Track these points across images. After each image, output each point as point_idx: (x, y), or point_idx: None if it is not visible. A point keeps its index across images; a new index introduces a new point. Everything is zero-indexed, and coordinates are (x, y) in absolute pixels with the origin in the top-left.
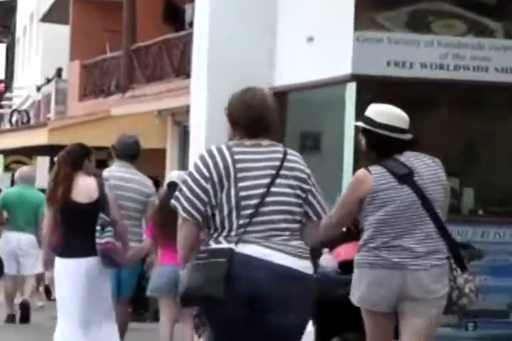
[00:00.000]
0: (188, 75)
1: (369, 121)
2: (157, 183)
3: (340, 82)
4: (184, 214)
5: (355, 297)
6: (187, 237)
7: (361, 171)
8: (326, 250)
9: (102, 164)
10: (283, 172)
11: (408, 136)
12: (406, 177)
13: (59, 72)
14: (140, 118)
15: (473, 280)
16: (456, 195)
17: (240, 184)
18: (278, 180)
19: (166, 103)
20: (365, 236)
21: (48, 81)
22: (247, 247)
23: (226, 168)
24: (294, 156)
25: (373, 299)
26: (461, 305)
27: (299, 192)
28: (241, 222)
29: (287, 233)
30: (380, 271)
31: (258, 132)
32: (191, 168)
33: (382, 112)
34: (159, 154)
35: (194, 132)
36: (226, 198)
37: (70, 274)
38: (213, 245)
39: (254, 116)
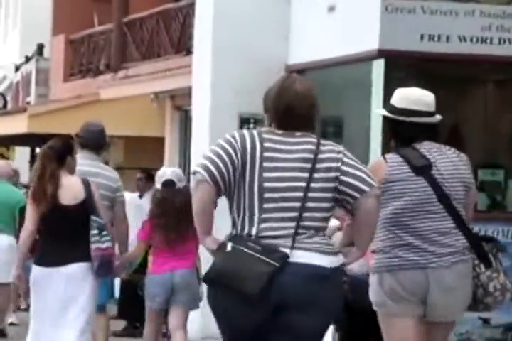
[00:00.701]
0: (189, 52)
1: (390, 107)
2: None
3: (366, 59)
4: (204, 173)
5: (375, 304)
6: (203, 198)
7: (377, 159)
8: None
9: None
10: (317, 165)
11: (429, 120)
12: (423, 170)
13: (40, 49)
14: (134, 102)
15: (498, 277)
16: (500, 189)
17: (266, 174)
18: (315, 175)
19: (163, 84)
20: (378, 235)
21: (28, 59)
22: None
23: (253, 152)
24: (330, 146)
25: (395, 306)
26: (486, 304)
27: (333, 184)
28: (266, 215)
29: (312, 231)
30: (399, 273)
31: (291, 123)
32: (220, 140)
33: (404, 96)
34: (157, 143)
35: (197, 117)
36: (249, 188)
37: (48, 284)
38: (246, 228)
39: (307, 107)
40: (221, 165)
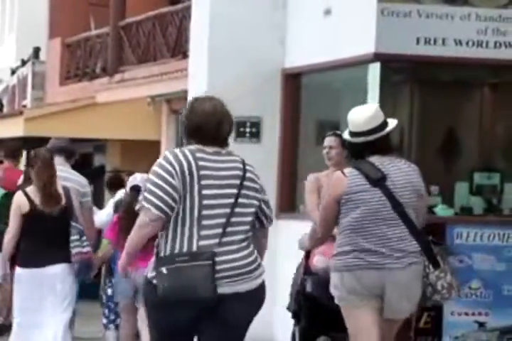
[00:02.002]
0: (185, 55)
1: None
2: None
3: (361, 63)
4: (157, 212)
5: (337, 299)
6: (150, 233)
7: (337, 174)
8: (318, 250)
9: (87, 159)
10: (245, 183)
11: (366, 138)
12: (379, 181)
13: (36, 53)
14: (130, 106)
15: (445, 277)
16: (496, 193)
17: (204, 191)
18: (243, 191)
19: (160, 88)
20: (340, 239)
21: (24, 63)
22: (223, 257)
23: (190, 171)
24: (250, 166)
25: (356, 300)
26: (434, 300)
27: (254, 202)
28: (205, 232)
29: (245, 242)
30: (359, 272)
31: (217, 141)
32: (155, 167)
33: (348, 119)
34: (153, 147)
35: None
36: (189, 203)
37: (31, 284)
38: (190, 248)
39: (215, 125)
40: (168, 199)
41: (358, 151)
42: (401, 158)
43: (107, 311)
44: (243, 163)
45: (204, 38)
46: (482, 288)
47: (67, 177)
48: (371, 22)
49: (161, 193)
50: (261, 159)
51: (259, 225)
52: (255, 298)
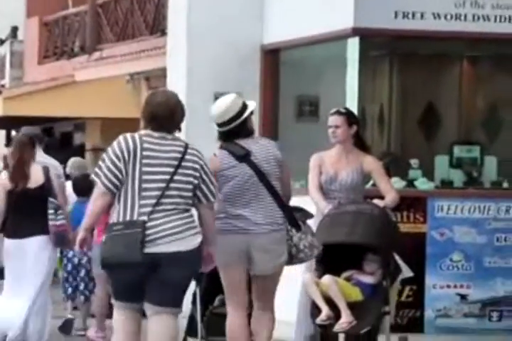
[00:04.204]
0: (163, 33)
1: None
2: None
3: (340, 38)
4: (103, 188)
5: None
6: (102, 207)
7: (211, 156)
8: None
9: (67, 137)
10: (183, 163)
11: (225, 128)
12: (244, 157)
13: (14, 32)
14: (109, 84)
15: (306, 238)
16: (476, 166)
17: (144, 168)
18: (179, 170)
19: (138, 65)
20: (216, 208)
21: (2, 42)
22: (154, 223)
23: (134, 152)
24: (194, 150)
25: (227, 259)
26: (300, 259)
27: (191, 179)
28: (144, 201)
29: (179, 212)
30: (230, 235)
31: (161, 126)
32: (108, 148)
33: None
34: (133, 124)
35: None
36: (131, 179)
37: (18, 253)
38: (127, 218)
39: (167, 114)
40: (112, 177)
41: (225, 136)
42: (261, 137)
43: (70, 279)
44: (186, 147)
45: (182, 15)
46: (463, 261)
47: (39, 160)
48: None
49: (107, 172)
50: None
51: (198, 201)
52: (189, 260)
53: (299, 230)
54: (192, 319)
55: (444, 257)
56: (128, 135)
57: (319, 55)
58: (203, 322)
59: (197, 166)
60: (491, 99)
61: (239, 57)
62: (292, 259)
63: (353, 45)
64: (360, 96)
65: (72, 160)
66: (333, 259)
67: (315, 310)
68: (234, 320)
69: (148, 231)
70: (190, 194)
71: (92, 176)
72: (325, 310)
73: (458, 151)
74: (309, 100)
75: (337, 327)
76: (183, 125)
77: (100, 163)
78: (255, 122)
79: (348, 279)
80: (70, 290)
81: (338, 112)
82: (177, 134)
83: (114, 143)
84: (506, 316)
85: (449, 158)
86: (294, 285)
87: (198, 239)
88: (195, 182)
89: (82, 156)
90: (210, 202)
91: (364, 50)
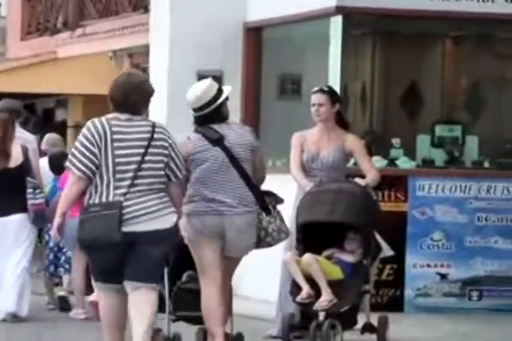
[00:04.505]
0: (146, 9)
1: None
2: None
3: (323, 16)
4: (79, 173)
5: (187, 239)
6: (78, 193)
7: (184, 139)
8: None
9: (49, 114)
10: (153, 142)
11: (201, 113)
12: (217, 141)
13: None
14: (92, 60)
15: (275, 222)
16: (457, 145)
17: (116, 152)
18: (149, 150)
19: (121, 42)
20: (189, 191)
21: None
22: (130, 202)
23: (105, 136)
24: (161, 128)
25: (202, 240)
26: (268, 242)
27: (162, 158)
28: (119, 183)
29: (154, 192)
30: (205, 217)
31: (128, 109)
32: (80, 134)
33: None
34: None
35: (154, 75)
36: (104, 163)
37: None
38: (103, 200)
39: (121, 96)
40: (88, 163)
41: (200, 121)
42: (236, 122)
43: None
44: (153, 125)
45: None
46: (444, 240)
47: (17, 135)
48: None
49: (82, 158)
50: None
51: (168, 179)
52: (166, 237)
53: (268, 214)
54: (159, 295)
55: (425, 236)
56: (96, 120)
57: (302, 34)
58: (170, 297)
59: (166, 144)
60: (473, 78)
61: (222, 35)
62: (260, 242)
63: (336, 23)
64: (342, 75)
65: (48, 136)
66: (314, 238)
67: (295, 289)
68: (209, 295)
69: (124, 211)
70: (162, 172)
71: (67, 164)
72: (305, 289)
73: (440, 131)
74: (291, 78)
75: (317, 306)
76: (164, 102)
77: (73, 150)
78: (237, 101)
79: (328, 258)
80: (52, 267)
81: (321, 90)
82: (156, 113)
83: (84, 129)
84: (486, 295)
85: (431, 137)
86: (276, 265)
87: (174, 217)
88: (165, 160)
89: (64, 133)
90: (178, 179)
91: (347, 28)
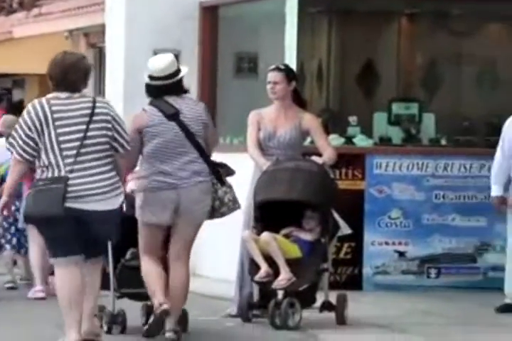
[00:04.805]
0: None
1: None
2: None
3: None
4: (18, 157)
5: (139, 215)
6: (19, 173)
7: (139, 112)
8: (131, 176)
9: (6, 93)
10: (94, 118)
11: (164, 82)
12: (173, 116)
13: None
14: (48, 40)
15: (230, 192)
16: (414, 123)
17: (59, 130)
18: (92, 125)
19: (77, 22)
20: (143, 165)
21: None
22: (77, 180)
23: (45, 117)
24: (102, 103)
25: (152, 218)
26: (222, 212)
27: (105, 132)
28: (66, 161)
29: (104, 170)
30: (159, 192)
31: (68, 87)
32: (20, 119)
33: (148, 65)
34: None
35: (111, 55)
36: (49, 143)
37: None
38: (49, 175)
39: (60, 74)
40: (26, 147)
41: (157, 92)
42: (191, 97)
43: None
44: (94, 101)
45: None
46: (402, 218)
47: None
48: None
49: (21, 142)
50: None
51: (115, 151)
52: (113, 218)
53: (223, 184)
54: (104, 272)
55: (383, 214)
56: (36, 102)
57: (258, 12)
58: (115, 275)
59: (108, 118)
60: (429, 56)
61: (178, 14)
62: (214, 212)
63: (292, 1)
64: (298, 53)
65: (4, 118)
66: (271, 216)
67: (254, 268)
68: (149, 267)
69: (71, 188)
70: (107, 146)
71: (7, 145)
72: (264, 267)
73: (396, 108)
74: (248, 57)
75: (276, 284)
76: (121, 81)
77: (13, 132)
78: (194, 80)
79: (286, 236)
80: (8, 246)
81: (277, 68)
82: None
83: (25, 113)
84: (444, 273)
85: (388, 115)
86: (235, 244)
87: (121, 198)
88: (110, 133)
89: (21, 113)
90: (125, 149)
91: (303, 6)
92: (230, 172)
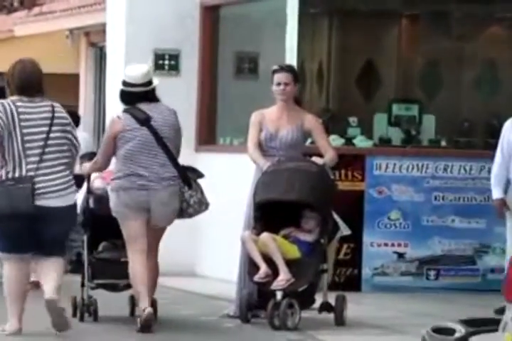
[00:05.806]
0: None
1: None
2: (73, 114)
3: None
4: None
5: (115, 212)
6: None
7: (113, 118)
8: (97, 175)
9: (3, 92)
10: (55, 121)
11: (141, 89)
12: (145, 121)
13: None
14: (49, 39)
15: (196, 195)
16: (414, 124)
17: (24, 130)
18: (53, 128)
19: (78, 21)
20: (117, 166)
21: None
22: (41, 177)
23: (12, 116)
24: (59, 108)
25: (128, 213)
26: (189, 213)
27: (64, 134)
28: (29, 159)
29: (62, 169)
30: (131, 191)
31: (30, 92)
32: None
33: (125, 72)
34: (72, 80)
35: (111, 54)
36: (15, 141)
37: None
38: (16, 175)
39: (25, 81)
40: None
41: (132, 99)
42: (162, 104)
43: None
44: (52, 106)
45: None
46: (401, 219)
47: None
48: None
49: None
50: (180, 92)
51: (70, 152)
52: (70, 214)
53: (190, 188)
54: (79, 263)
55: (382, 215)
56: (4, 102)
57: (258, 12)
58: (88, 267)
59: (66, 121)
60: (429, 57)
61: (179, 14)
62: (182, 213)
63: (293, 1)
64: (299, 54)
65: None
66: (271, 217)
67: (253, 268)
68: (136, 266)
69: (36, 186)
70: (66, 147)
71: None
72: (263, 268)
73: (396, 109)
74: (248, 57)
75: (275, 285)
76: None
77: None
78: (194, 80)
79: (286, 237)
80: None
81: (286, 69)
82: None
83: None
84: (443, 274)
85: (388, 116)
86: (235, 244)
87: (75, 195)
88: (69, 136)
89: None
90: (77, 152)
91: (303, 7)
92: (199, 175)
